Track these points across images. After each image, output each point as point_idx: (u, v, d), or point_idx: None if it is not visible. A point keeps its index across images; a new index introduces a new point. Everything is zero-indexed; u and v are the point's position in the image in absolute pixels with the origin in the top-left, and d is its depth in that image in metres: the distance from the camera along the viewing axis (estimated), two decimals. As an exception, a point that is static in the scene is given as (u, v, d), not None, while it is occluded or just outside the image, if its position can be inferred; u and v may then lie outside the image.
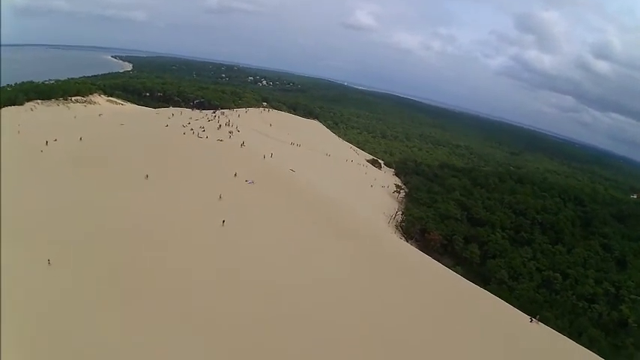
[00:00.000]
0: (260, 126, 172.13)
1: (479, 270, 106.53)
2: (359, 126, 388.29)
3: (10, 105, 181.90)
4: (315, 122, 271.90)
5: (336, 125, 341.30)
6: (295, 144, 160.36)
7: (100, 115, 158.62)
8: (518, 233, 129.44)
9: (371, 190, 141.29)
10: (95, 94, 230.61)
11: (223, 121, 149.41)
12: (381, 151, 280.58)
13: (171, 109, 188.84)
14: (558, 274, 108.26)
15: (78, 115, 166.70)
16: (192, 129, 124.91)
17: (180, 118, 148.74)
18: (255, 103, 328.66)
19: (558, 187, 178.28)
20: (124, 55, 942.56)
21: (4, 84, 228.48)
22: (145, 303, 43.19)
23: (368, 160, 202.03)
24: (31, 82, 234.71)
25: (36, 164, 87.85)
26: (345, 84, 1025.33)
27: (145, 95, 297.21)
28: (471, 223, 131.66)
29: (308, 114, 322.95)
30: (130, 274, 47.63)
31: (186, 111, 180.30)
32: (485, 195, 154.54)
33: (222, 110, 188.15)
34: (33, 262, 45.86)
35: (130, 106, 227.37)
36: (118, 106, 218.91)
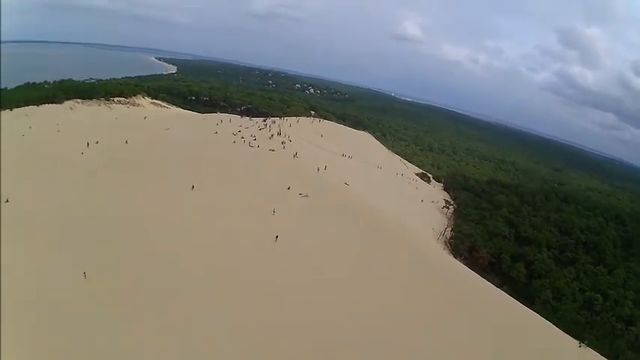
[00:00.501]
0: (311, 136, 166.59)
1: (524, 290, 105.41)
2: (407, 138, 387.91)
3: (49, 103, 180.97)
4: (366, 134, 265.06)
5: (384, 137, 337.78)
6: (347, 156, 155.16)
7: (144, 117, 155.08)
8: (563, 253, 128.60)
9: (421, 205, 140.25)
10: (139, 96, 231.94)
11: (275, 129, 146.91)
12: (428, 164, 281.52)
13: (219, 115, 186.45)
14: (599, 295, 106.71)
15: (120, 116, 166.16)
16: (242, 137, 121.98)
17: (229, 125, 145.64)
18: (304, 112, 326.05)
19: (601, 205, 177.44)
20: (167, 57, 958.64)
21: (40, 80, 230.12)
22: (195, 324, 41.23)
23: (417, 174, 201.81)
24: (71, 81, 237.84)
25: (75, 167, 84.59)
26: (393, 94, 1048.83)
27: (191, 99, 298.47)
28: (518, 241, 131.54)
29: (356, 124, 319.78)
30: (176, 295, 45.37)
31: (235, 117, 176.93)
32: (531, 213, 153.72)
33: (273, 119, 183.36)
34: (68, 273, 44.88)
35: (175, 110, 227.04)
36: (163, 109, 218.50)
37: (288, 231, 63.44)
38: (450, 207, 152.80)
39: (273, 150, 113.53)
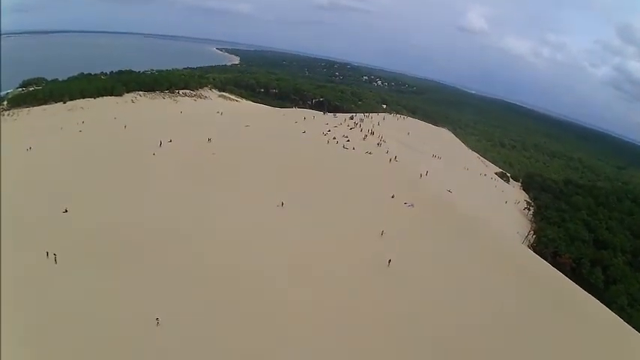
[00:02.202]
0: (399, 135, 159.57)
1: (601, 296, 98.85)
2: (477, 133, 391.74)
3: (107, 95, 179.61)
4: (445, 130, 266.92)
5: (454, 131, 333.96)
6: (436, 156, 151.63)
7: (217, 112, 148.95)
8: (637, 257, 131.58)
9: (505, 207, 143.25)
10: (205, 88, 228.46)
11: (365, 128, 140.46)
12: (500, 161, 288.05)
13: (298, 111, 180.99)
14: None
15: (189, 110, 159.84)
16: (334, 137, 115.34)
17: (313, 123, 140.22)
18: (375, 105, 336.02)
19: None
20: (229, 47, 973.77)
21: (97, 71, 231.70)
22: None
23: (496, 173, 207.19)
24: (131, 72, 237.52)
25: (149, 171, 79.23)
26: (458, 87, 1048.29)
27: (260, 91, 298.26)
28: (596, 245, 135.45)
29: (427, 118, 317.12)
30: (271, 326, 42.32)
31: (318, 114, 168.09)
32: (607, 215, 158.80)
33: (358, 115, 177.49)
34: (145, 314, 40.78)
35: (245, 103, 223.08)
36: (232, 102, 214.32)
37: (399, 252, 59.07)
38: (531, 208, 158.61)
39: (370, 153, 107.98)
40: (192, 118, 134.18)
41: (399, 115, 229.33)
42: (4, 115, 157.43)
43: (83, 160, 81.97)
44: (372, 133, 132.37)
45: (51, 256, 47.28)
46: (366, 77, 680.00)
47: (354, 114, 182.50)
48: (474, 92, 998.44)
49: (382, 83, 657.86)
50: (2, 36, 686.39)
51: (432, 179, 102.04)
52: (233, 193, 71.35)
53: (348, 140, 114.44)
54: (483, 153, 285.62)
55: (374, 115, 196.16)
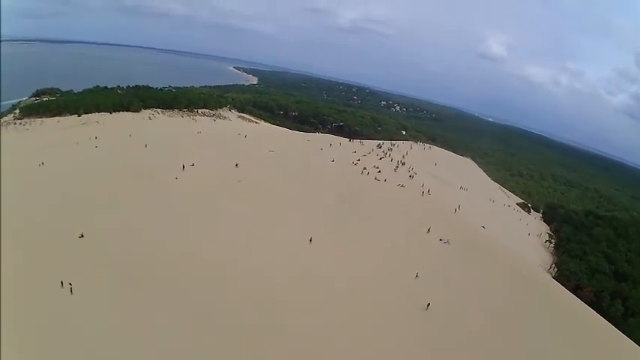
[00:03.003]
0: (427, 165, 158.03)
1: (620, 328, 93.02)
2: (496, 162, 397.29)
3: (123, 110, 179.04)
4: (468, 160, 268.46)
5: (473, 160, 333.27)
6: (464, 188, 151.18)
7: (238, 134, 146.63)
8: None
9: (529, 240, 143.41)
10: (224, 108, 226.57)
11: (395, 157, 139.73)
12: (519, 191, 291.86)
13: (322, 136, 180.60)
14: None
15: (208, 130, 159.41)
16: (365, 168, 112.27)
17: (341, 150, 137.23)
18: (395, 131, 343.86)
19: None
20: (246, 67, 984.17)
21: (112, 85, 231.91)
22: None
23: (518, 204, 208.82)
24: (148, 88, 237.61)
25: (172, 196, 75.63)
26: (476, 114, 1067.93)
27: (279, 113, 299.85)
28: (616, 277, 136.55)
29: (447, 145, 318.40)
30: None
31: (342, 140, 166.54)
32: (626, 247, 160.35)
33: (385, 143, 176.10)
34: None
35: (265, 125, 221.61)
36: (252, 123, 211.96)
37: (438, 294, 57.13)
38: (552, 240, 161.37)
39: (402, 185, 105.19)
40: (213, 140, 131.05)
41: (424, 145, 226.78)
42: (15, 124, 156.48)
43: (100, 180, 79.01)
44: (403, 164, 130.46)
45: (66, 285, 44.33)
46: (385, 102, 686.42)
47: (381, 142, 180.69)
48: (491, 120, 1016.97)
49: (400, 109, 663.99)
50: (14, 43, 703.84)
51: (465, 213, 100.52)
52: (261, 225, 67.71)
53: (380, 171, 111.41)
54: (502, 182, 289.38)
55: (399, 142, 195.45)
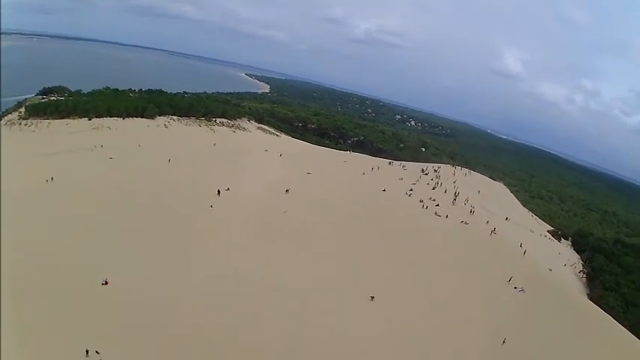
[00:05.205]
0: (474, 194, 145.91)
1: None
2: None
3: (137, 116, 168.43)
4: (502, 186, 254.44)
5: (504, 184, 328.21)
6: (508, 219, 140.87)
7: (267, 151, 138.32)
8: None
9: (566, 271, 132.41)
10: (244, 119, 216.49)
11: (446, 186, 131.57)
12: (540, 214, 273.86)
13: (357, 156, 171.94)
14: None
15: (228, 142, 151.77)
16: (421, 200, 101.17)
17: (386, 176, 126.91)
18: (417, 149, 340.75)
19: None
20: (258, 74, 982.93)
21: (123, 86, 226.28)
22: None
23: (549, 231, 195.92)
24: (161, 92, 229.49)
25: (209, 231, 64.89)
26: (489, 131, 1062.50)
27: (298, 126, 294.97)
28: None
29: (467, 165, 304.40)
30: None
31: (381, 163, 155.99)
32: None
33: (431, 168, 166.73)
34: None
35: (286, 139, 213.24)
36: (273, 136, 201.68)
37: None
38: (585, 271, 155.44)
39: (465, 223, 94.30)
40: (240, 156, 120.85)
41: (464, 170, 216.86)
42: (20, 124, 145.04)
43: (121, 206, 67.40)
44: (457, 194, 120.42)
45: (92, 354, 36.40)
46: (399, 116, 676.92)
47: (423, 166, 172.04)
48: (504, 137, 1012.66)
49: (415, 124, 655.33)
50: (23, 37, 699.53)
51: (531, 255, 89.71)
52: (312, 273, 58.74)
53: (438, 205, 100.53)
54: (524, 205, 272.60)
55: (439, 166, 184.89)
